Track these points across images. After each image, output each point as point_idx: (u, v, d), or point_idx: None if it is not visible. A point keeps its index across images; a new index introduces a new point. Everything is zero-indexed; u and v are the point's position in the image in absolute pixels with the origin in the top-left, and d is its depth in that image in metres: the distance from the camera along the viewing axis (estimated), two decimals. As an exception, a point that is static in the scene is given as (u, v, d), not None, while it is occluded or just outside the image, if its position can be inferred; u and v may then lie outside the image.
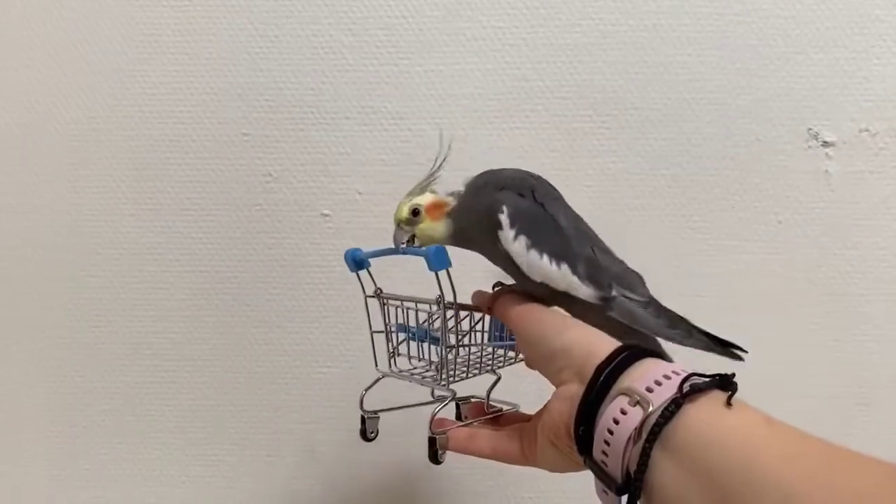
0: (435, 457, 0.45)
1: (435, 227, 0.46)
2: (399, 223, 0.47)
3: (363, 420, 0.50)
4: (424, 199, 0.46)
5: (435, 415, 0.45)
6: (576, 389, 0.36)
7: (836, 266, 0.67)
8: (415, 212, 0.46)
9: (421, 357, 0.49)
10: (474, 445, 0.45)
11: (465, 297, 0.47)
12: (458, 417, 0.52)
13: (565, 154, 0.66)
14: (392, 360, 0.50)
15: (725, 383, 0.32)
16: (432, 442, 0.45)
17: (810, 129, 0.66)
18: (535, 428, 0.42)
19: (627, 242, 0.67)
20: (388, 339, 0.50)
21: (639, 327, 0.44)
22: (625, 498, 0.33)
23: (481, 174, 0.47)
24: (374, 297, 0.49)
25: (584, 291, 0.43)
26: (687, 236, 0.66)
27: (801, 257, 0.66)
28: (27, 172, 0.67)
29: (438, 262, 0.43)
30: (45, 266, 0.68)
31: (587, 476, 0.41)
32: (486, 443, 0.44)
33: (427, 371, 0.49)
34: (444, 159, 0.47)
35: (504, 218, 0.43)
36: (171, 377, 0.68)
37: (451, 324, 0.46)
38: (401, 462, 0.68)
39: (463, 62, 0.65)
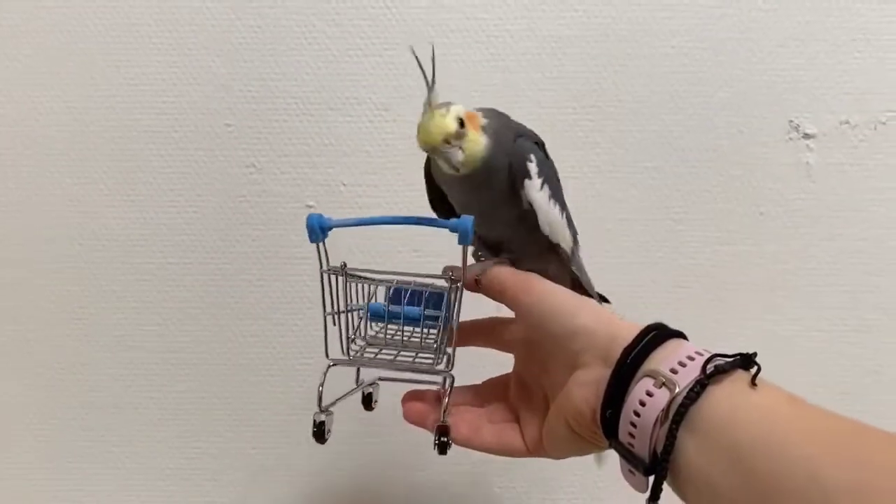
0: (445, 447, 0.41)
1: (478, 139, 0.39)
2: (446, 139, 0.38)
3: (319, 422, 0.44)
4: (460, 107, 0.39)
5: (448, 403, 0.42)
6: (600, 373, 0.36)
7: (817, 257, 0.67)
8: (461, 122, 0.38)
9: (404, 341, 0.45)
10: (480, 439, 0.43)
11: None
12: (368, 406, 0.50)
13: (548, 145, 0.66)
14: (349, 346, 0.45)
15: (748, 363, 0.33)
16: (445, 430, 0.41)
17: (791, 121, 0.66)
18: (535, 418, 0.41)
19: (610, 233, 0.68)
20: (348, 322, 0.44)
21: (583, 281, 0.45)
22: (652, 478, 0.33)
23: (492, 111, 0.43)
24: (335, 272, 0.42)
25: (568, 244, 0.43)
26: (669, 227, 0.67)
27: (782, 248, 0.67)
28: (7, 164, 0.67)
29: (471, 233, 0.38)
30: (27, 258, 0.67)
31: (561, 463, 0.41)
32: (491, 437, 0.43)
33: (412, 355, 0.45)
34: (434, 75, 0.39)
35: (533, 167, 0.41)
36: (154, 369, 0.68)
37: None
38: (384, 452, 0.68)
39: (447, 53, 0.65)
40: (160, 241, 0.67)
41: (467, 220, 0.37)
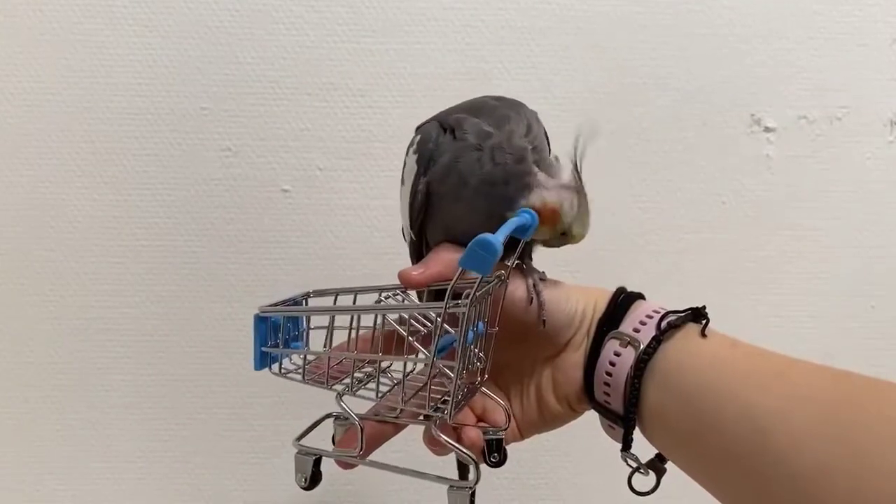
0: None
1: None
2: None
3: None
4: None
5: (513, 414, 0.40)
6: (583, 352, 0.38)
7: (777, 245, 0.70)
8: None
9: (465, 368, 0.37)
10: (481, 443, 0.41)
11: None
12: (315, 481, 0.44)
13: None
14: (455, 397, 0.35)
15: (698, 316, 0.36)
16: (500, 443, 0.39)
17: (753, 115, 0.69)
18: (531, 409, 0.41)
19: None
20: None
21: None
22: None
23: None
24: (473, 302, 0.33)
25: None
26: (635, 216, 0.69)
27: (743, 237, 0.70)
28: (-23, 143, 0.66)
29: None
30: (-4, 239, 0.67)
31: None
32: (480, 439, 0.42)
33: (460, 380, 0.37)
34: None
35: None
36: (125, 352, 0.68)
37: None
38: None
39: (423, 41, 0.66)
40: (133, 223, 0.67)
41: (533, 214, 0.38)
